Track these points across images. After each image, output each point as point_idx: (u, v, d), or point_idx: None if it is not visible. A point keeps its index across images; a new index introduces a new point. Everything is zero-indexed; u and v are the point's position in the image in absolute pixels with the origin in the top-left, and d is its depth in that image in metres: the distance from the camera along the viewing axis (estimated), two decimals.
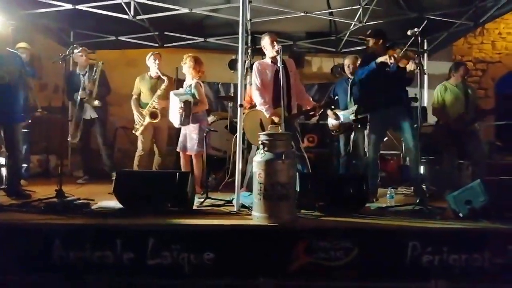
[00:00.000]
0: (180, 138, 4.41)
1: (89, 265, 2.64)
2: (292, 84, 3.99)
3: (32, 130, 4.68)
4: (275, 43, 3.86)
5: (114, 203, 3.22)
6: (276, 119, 3.81)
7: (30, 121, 4.35)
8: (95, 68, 5.00)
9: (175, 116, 4.24)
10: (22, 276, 2.60)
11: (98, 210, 3.14)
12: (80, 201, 3.34)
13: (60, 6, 4.76)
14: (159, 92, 4.64)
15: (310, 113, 4.25)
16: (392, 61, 3.74)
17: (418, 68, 3.59)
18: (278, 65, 3.65)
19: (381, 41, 4.01)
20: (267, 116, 3.87)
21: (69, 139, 5.04)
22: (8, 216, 3.00)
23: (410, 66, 3.66)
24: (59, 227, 2.74)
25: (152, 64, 4.73)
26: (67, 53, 3.66)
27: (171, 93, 4.33)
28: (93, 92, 4.97)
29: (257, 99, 3.93)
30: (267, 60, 4.03)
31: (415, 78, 3.86)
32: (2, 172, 4.06)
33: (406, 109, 4.03)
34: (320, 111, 4.17)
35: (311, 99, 4.33)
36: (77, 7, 4.77)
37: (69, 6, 4.76)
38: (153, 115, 4.66)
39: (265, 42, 3.94)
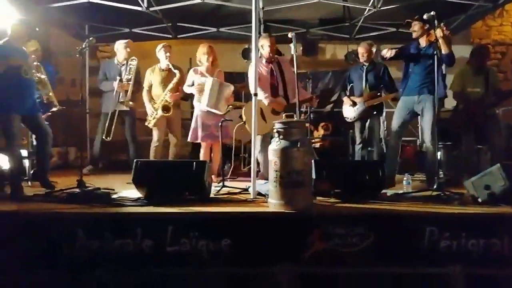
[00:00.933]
0: (199, 128, 4.31)
1: (110, 252, 2.71)
2: (288, 80, 4.13)
3: (51, 123, 4.78)
4: (272, 42, 4.08)
5: (133, 193, 3.30)
6: (277, 104, 3.95)
7: (49, 113, 4.45)
8: (130, 66, 4.97)
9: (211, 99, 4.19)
10: (46, 264, 2.69)
11: (118, 199, 3.22)
12: (101, 191, 3.43)
13: (74, 0, 4.82)
14: (170, 85, 4.62)
15: (307, 104, 4.31)
16: (388, 55, 3.82)
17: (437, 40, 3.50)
18: (292, 52, 3.69)
19: (426, 27, 3.86)
20: (266, 104, 3.91)
21: (103, 137, 4.99)
22: (32, 206, 3.11)
23: (438, 33, 3.54)
24: (81, 216, 2.82)
25: (162, 56, 4.70)
26: (83, 46, 3.72)
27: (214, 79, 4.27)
28: (128, 91, 4.93)
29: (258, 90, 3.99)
30: (262, 60, 4.17)
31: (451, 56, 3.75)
32: (25, 164, 4.18)
33: (433, 98, 3.82)
34: (317, 101, 4.34)
35: (306, 92, 4.47)
36: (91, 0, 4.83)
37: None
38: (165, 108, 4.64)
39: (260, 42, 4.05)
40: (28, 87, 3.70)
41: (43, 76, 4.19)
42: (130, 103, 4.95)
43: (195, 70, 4.39)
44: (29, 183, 4.03)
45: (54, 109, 4.36)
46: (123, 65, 5.07)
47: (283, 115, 3.10)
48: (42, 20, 4.97)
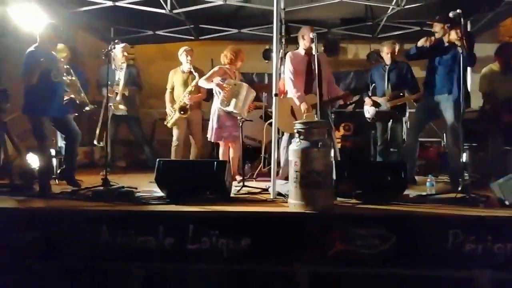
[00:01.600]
0: (220, 128, 4.32)
1: (133, 249, 2.77)
2: (324, 76, 4.02)
3: (78, 123, 4.92)
4: (310, 34, 3.85)
5: (155, 191, 3.37)
6: (304, 106, 3.85)
7: (76, 114, 4.59)
8: (119, 71, 5.03)
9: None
10: (70, 260, 2.78)
11: (141, 198, 3.29)
12: (125, 189, 3.51)
13: (101, 3, 4.96)
14: (189, 88, 4.71)
15: (340, 100, 4.20)
16: (423, 43, 3.65)
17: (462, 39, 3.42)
18: (313, 53, 3.65)
19: (447, 26, 3.80)
20: (298, 103, 3.89)
21: (95, 142, 5.05)
22: (60, 203, 3.22)
23: (452, 36, 3.53)
24: (105, 214, 2.90)
25: (184, 60, 4.80)
26: (109, 48, 3.82)
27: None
28: (118, 94, 4.98)
29: (290, 87, 3.97)
30: (300, 50, 4.05)
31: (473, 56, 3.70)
32: (53, 162, 4.33)
33: (456, 99, 3.81)
34: (351, 99, 4.13)
35: (339, 89, 4.33)
36: (117, 3, 4.96)
37: (109, 3, 4.95)
38: (182, 109, 4.74)
39: (301, 32, 4.01)
40: (57, 91, 3.85)
41: (73, 78, 4.33)
42: (121, 106, 4.99)
43: (221, 69, 4.36)
44: (57, 181, 4.16)
45: (87, 108, 4.48)
46: (121, 69, 5.16)
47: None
48: (69, 24, 5.14)
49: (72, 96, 4.24)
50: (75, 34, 5.84)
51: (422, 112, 4.01)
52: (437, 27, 3.88)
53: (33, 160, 4.18)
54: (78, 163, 5.39)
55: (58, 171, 4.22)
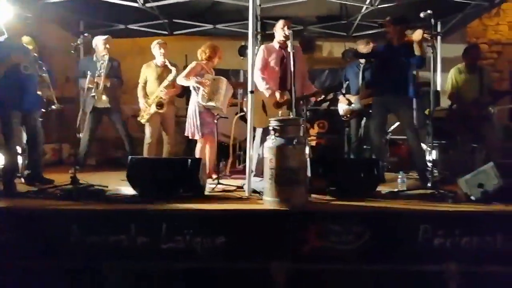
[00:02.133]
0: (201, 125, 4.22)
1: (105, 249, 2.70)
2: (297, 70, 3.96)
3: (46, 120, 4.73)
4: (285, 28, 3.82)
5: (127, 189, 3.28)
6: (278, 96, 3.82)
7: (43, 110, 4.41)
8: (101, 62, 4.78)
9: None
10: (41, 261, 2.68)
11: (113, 196, 3.20)
12: (94, 188, 3.41)
13: None
14: (166, 82, 4.61)
15: (311, 98, 4.20)
16: (364, 50, 3.78)
17: (430, 50, 3.53)
18: (289, 50, 3.63)
19: (399, 28, 3.93)
20: (267, 95, 3.85)
21: (80, 135, 4.78)
22: (26, 202, 3.09)
23: (415, 36, 3.61)
24: (75, 213, 2.82)
25: (157, 53, 4.68)
26: (78, 42, 3.69)
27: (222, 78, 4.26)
28: (99, 85, 4.79)
29: (258, 79, 3.88)
30: (275, 44, 4.01)
31: (426, 59, 3.80)
32: (18, 160, 4.13)
33: (407, 98, 3.97)
34: (321, 96, 4.14)
35: (312, 86, 4.28)
36: None
37: None
38: (159, 104, 4.63)
39: (277, 25, 3.95)
40: (28, 84, 3.68)
41: (44, 74, 4.16)
42: (103, 97, 4.81)
43: (198, 64, 4.29)
44: (22, 179, 3.99)
45: (53, 107, 4.31)
46: (103, 62, 4.99)
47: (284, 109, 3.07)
48: (36, 16, 4.93)
49: (39, 93, 4.07)
50: (43, 27, 5.61)
51: (381, 112, 4.08)
52: (390, 28, 4.00)
53: None
54: (46, 161, 5.23)
55: (25, 174, 3.99)
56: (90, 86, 4.73)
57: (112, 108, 5.01)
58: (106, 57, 4.81)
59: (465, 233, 2.69)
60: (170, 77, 4.60)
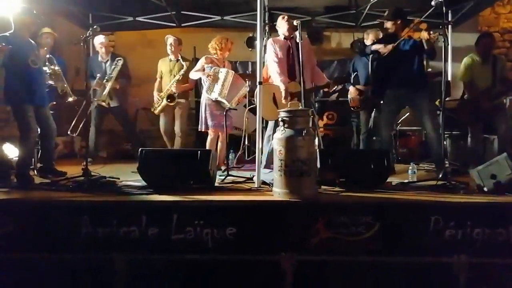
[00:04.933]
0: (209, 117, 4.32)
1: (116, 240, 2.74)
2: (305, 60, 3.95)
3: (58, 112, 4.77)
4: (286, 18, 3.93)
5: (138, 181, 3.31)
6: (285, 93, 3.83)
7: (54, 103, 4.46)
8: (113, 67, 4.98)
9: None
10: (52, 252, 2.72)
11: (124, 188, 3.23)
12: (106, 179, 3.45)
13: None
14: (177, 76, 4.72)
15: (324, 89, 4.18)
16: (384, 51, 3.76)
17: (441, 38, 3.47)
18: (297, 40, 3.61)
19: (399, 21, 3.89)
20: (283, 87, 3.85)
21: (68, 132, 4.92)
22: (39, 194, 3.14)
23: (423, 35, 3.60)
24: (87, 204, 2.85)
25: (169, 49, 4.82)
26: (87, 35, 3.70)
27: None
28: (105, 89, 4.91)
29: (275, 70, 3.92)
30: (280, 37, 4.05)
31: (436, 51, 3.75)
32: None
33: (421, 89, 3.91)
34: (334, 87, 4.11)
35: (324, 76, 4.27)
36: None
37: None
38: (170, 97, 4.75)
39: (278, 21, 4.04)
40: (38, 77, 3.70)
41: (56, 68, 4.21)
42: (103, 103, 4.94)
43: (208, 58, 4.38)
44: (35, 172, 4.05)
45: (70, 99, 4.36)
46: (107, 61, 5.10)
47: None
48: (46, 9, 4.94)
49: (52, 83, 4.11)
50: (52, 21, 5.63)
51: (391, 105, 4.04)
52: (388, 24, 3.94)
53: (10, 151, 4.05)
54: (58, 153, 5.29)
55: (37, 167, 4.03)
56: (97, 88, 4.85)
57: (117, 106, 5.12)
58: (120, 62, 4.95)
59: (477, 224, 2.67)
60: (181, 71, 4.72)
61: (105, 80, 4.93)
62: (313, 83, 4.16)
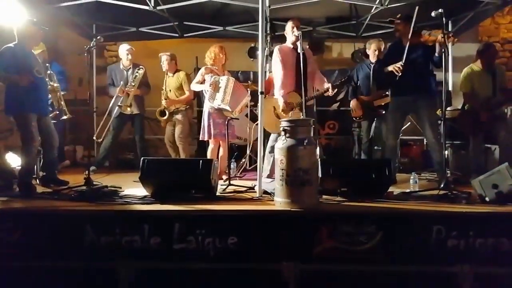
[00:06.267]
0: (211, 126, 4.29)
1: (118, 249, 2.74)
2: (309, 72, 4.03)
3: (59, 122, 4.82)
4: (295, 29, 3.86)
5: (140, 191, 3.32)
6: (283, 105, 3.87)
7: (57, 112, 4.50)
8: (135, 75, 5.07)
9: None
10: (55, 261, 2.72)
11: (126, 197, 3.24)
12: (108, 189, 3.46)
13: None
14: (164, 92, 4.93)
15: (325, 94, 4.19)
16: (399, 73, 3.78)
17: (444, 40, 3.49)
18: (298, 51, 3.64)
19: (409, 26, 3.89)
20: (281, 100, 3.89)
21: (94, 137, 5.11)
22: (41, 203, 3.14)
23: (435, 36, 3.63)
24: (89, 214, 2.85)
25: (163, 67, 4.98)
26: (91, 45, 3.75)
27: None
28: (129, 96, 5.02)
29: (276, 81, 3.98)
30: (288, 45, 4.04)
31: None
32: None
33: (429, 97, 3.93)
34: (334, 91, 4.11)
35: (325, 79, 4.24)
36: None
37: None
38: (161, 113, 4.96)
39: (287, 27, 3.99)
40: (42, 86, 3.76)
41: (55, 85, 4.27)
42: (128, 109, 5.01)
43: (207, 68, 4.38)
44: (37, 181, 4.06)
45: (65, 117, 4.44)
46: (129, 69, 5.16)
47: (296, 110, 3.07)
48: (50, 20, 5.01)
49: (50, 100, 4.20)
50: (55, 31, 5.70)
51: (397, 112, 4.06)
52: (400, 26, 3.97)
53: (12, 160, 4.07)
54: (61, 163, 5.30)
55: (40, 176, 4.05)
56: (119, 95, 4.92)
57: (138, 114, 5.21)
58: (141, 71, 5.09)
59: (479, 234, 2.66)
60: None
61: (127, 88, 5.02)
62: (314, 88, 4.18)
